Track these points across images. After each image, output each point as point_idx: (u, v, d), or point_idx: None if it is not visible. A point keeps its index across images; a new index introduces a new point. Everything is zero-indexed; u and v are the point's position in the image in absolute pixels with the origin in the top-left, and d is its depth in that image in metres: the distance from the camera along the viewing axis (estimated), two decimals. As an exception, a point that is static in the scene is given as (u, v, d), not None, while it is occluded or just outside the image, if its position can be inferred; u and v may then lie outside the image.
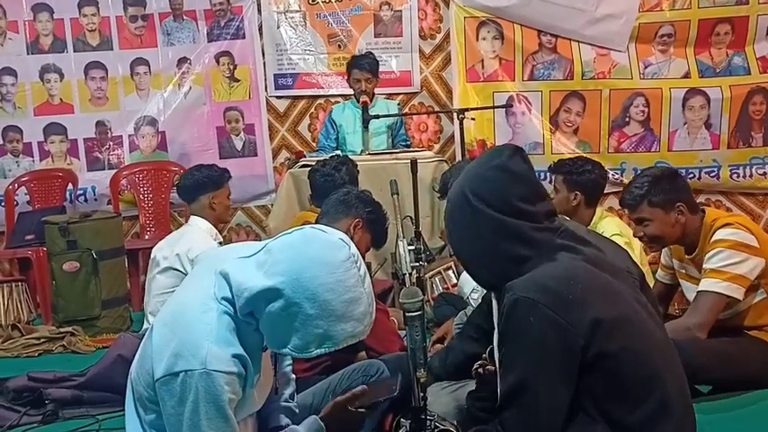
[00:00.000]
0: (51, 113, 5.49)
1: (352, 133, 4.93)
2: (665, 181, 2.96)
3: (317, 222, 2.60)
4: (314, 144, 5.40)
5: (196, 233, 3.77)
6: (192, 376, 1.58)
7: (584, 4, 5.20)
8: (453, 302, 3.64)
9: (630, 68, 5.27)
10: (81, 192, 5.44)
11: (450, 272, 3.94)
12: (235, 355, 1.62)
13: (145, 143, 5.55)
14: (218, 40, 5.53)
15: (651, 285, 3.18)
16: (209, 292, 1.67)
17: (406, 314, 2.00)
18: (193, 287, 1.74)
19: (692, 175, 5.16)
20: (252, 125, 5.61)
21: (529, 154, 1.94)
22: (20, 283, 4.69)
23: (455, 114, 4.76)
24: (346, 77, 5.02)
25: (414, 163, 3.10)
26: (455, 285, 3.82)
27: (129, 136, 5.54)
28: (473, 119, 4.96)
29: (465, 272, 3.09)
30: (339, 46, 5.51)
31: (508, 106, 5.24)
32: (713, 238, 2.89)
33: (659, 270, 3.32)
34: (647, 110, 5.28)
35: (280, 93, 5.58)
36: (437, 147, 5.54)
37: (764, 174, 5.26)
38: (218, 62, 5.55)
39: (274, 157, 5.64)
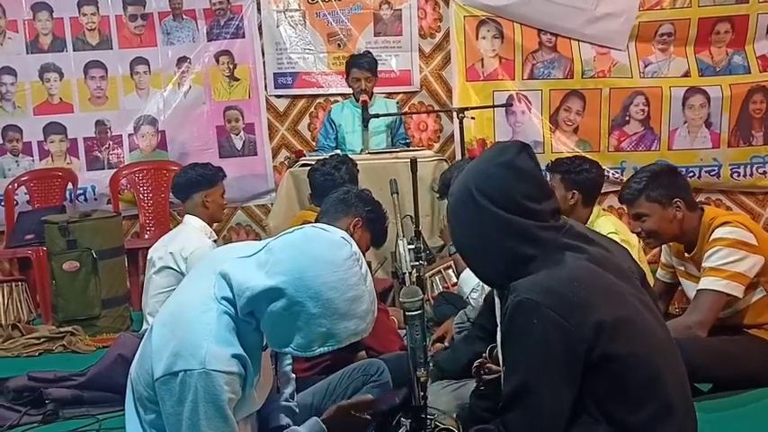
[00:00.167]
0: (51, 113, 5.49)
1: (352, 132, 4.92)
2: (664, 177, 2.98)
3: (316, 221, 2.60)
4: (314, 143, 5.40)
5: (190, 232, 3.77)
6: (192, 376, 1.58)
7: (584, 2, 5.19)
8: (453, 301, 3.64)
9: (630, 67, 5.27)
10: (81, 191, 5.44)
11: (450, 271, 3.94)
12: (234, 355, 1.62)
13: (145, 142, 5.55)
14: (217, 39, 5.52)
15: (651, 284, 3.21)
16: (208, 292, 1.67)
17: (406, 313, 2.00)
18: (193, 287, 1.74)
19: (692, 174, 5.15)
20: (252, 124, 5.60)
21: (530, 153, 1.93)
22: (20, 283, 4.69)
23: (455, 113, 4.76)
24: (345, 77, 5.02)
25: (414, 162, 3.10)
26: (455, 284, 3.82)
27: (129, 135, 5.54)
28: (473, 118, 4.96)
29: (464, 271, 3.11)
30: (339, 45, 5.51)
31: (508, 105, 5.23)
32: (712, 237, 2.90)
33: (659, 269, 3.33)
34: (647, 109, 5.28)
35: (279, 92, 5.58)
36: (437, 146, 5.54)
37: (765, 173, 5.25)
38: (217, 61, 5.55)
39: (274, 156, 5.64)
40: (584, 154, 4.61)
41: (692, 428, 1.81)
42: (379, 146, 4.85)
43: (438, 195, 3.72)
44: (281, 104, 5.61)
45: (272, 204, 5.17)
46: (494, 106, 5.20)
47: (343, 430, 1.99)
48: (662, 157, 5.17)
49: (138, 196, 5.38)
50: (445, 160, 4.68)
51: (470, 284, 3.15)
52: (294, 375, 2.13)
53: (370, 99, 4.79)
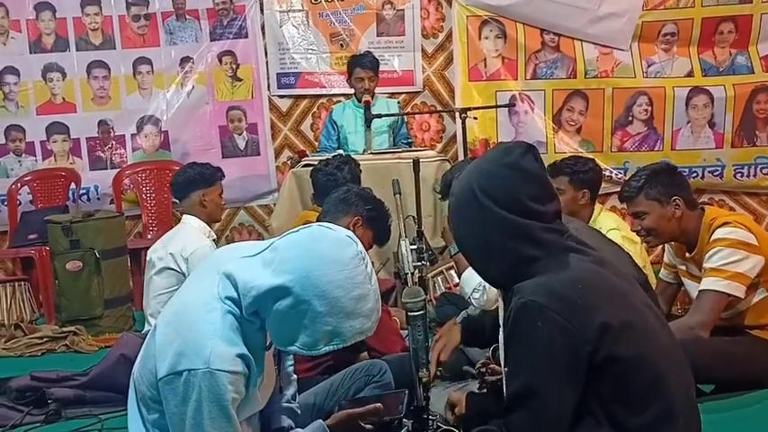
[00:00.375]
0: (54, 113, 5.49)
1: (354, 133, 4.92)
2: (663, 175, 2.99)
3: (318, 221, 2.60)
4: (316, 143, 5.39)
5: (189, 231, 3.77)
6: (196, 375, 1.58)
7: (587, 2, 5.19)
8: (455, 302, 3.64)
9: (633, 67, 5.26)
10: (84, 191, 5.44)
11: (452, 271, 3.93)
12: (238, 355, 1.62)
13: (147, 142, 5.55)
14: (220, 39, 5.52)
15: (654, 284, 3.21)
16: (212, 291, 1.67)
17: (409, 314, 2.00)
18: (196, 287, 1.74)
19: (695, 175, 5.15)
20: (254, 124, 5.60)
21: (533, 153, 1.92)
22: (23, 283, 4.70)
23: (457, 114, 4.75)
24: (347, 77, 5.01)
25: (416, 162, 3.09)
26: (457, 285, 3.81)
27: (132, 135, 5.54)
28: (475, 118, 4.95)
29: (465, 271, 3.11)
30: (341, 45, 5.51)
31: (511, 105, 5.23)
32: (712, 237, 2.90)
33: (662, 269, 3.33)
34: (650, 109, 5.27)
35: (282, 92, 5.58)
36: (439, 146, 5.54)
37: (769, 173, 5.25)
38: (220, 61, 5.55)
39: (277, 156, 5.64)
40: (586, 154, 4.62)
41: (695, 431, 1.81)
42: (382, 146, 4.85)
43: (440, 196, 3.72)
44: (284, 104, 5.61)
45: (274, 204, 5.16)
46: (496, 106, 5.20)
47: None
48: (665, 158, 5.14)
49: (141, 196, 5.39)
50: (448, 161, 4.67)
51: (471, 285, 3.14)
52: (296, 376, 2.13)
53: (372, 99, 4.79)
